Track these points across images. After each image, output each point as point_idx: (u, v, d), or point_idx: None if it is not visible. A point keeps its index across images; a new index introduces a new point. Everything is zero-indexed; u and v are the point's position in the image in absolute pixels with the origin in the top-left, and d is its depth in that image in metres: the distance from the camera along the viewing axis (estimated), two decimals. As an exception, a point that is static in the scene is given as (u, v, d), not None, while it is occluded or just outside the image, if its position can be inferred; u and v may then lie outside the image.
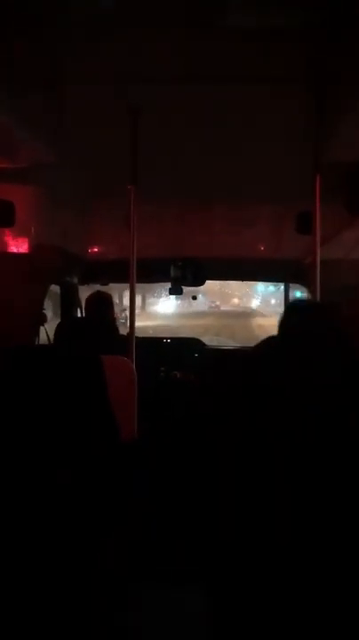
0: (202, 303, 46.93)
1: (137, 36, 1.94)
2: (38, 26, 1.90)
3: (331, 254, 2.87)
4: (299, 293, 4.83)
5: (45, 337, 3.35)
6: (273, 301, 48.77)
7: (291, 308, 1.98)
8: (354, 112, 1.97)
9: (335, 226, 3.00)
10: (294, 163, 2.67)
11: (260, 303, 51.13)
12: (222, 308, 51.45)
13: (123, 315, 7.72)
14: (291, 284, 4.64)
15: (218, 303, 53.57)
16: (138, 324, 2.80)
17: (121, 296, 15.85)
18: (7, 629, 1.71)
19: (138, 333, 2.78)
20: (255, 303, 54.86)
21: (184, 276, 3.89)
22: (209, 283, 4.28)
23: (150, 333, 10.96)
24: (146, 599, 2.45)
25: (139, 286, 2.73)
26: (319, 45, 1.96)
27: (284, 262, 3.92)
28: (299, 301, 2.68)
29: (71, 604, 1.83)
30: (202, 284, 4.02)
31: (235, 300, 57.76)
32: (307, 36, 1.92)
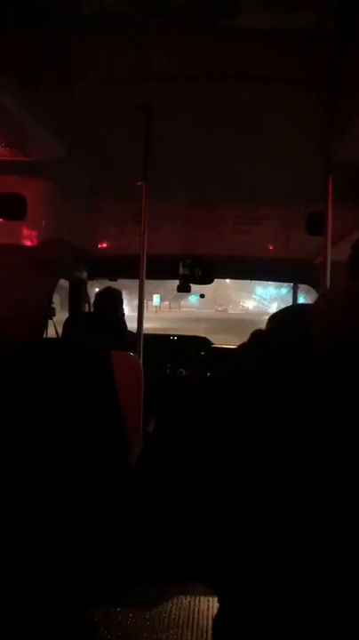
0: (196, 306, 41.69)
1: (149, 34, 1.94)
2: (51, 22, 1.91)
3: (342, 255, 2.87)
4: (302, 299, 4.81)
5: (54, 331, 3.37)
6: (274, 306, 46.55)
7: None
8: None
9: (346, 226, 3.00)
10: (306, 163, 2.66)
11: (267, 305, 48.86)
12: (230, 312, 48.87)
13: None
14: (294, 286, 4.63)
15: (224, 307, 50.68)
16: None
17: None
18: (5, 628, 1.72)
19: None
20: (252, 305, 52.21)
21: (192, 274, 3.89)
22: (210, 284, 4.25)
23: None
24: (146, 599, 2.46)
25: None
26: (332, 46, 1.95)
27: (294, 262, 3.91)
28: None
29: (71, 604, 1.84)
30: (210, 282, 4.02)
31: (244, 304, 54.92)
32: (320, 36, 1.91)
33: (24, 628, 1.75)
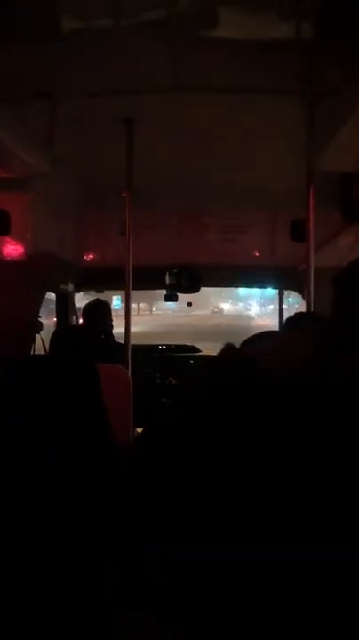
0: (171, 309, 35.89)
1: (132, 47, 1.95)
2: (32, 37, 1.91)
3: (325, 261, 2.91)
4: (291, 300, 4.85)
5: (41, 345, 3.35)
6: (254, 309, 44.52)
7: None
8: (346, 123, 2.00)
9: (328, 233, 3.03)
10: (289, 171, 2.69)
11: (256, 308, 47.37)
12: (226, 313, 46.97)
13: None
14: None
15: (219, 308, 48.38)
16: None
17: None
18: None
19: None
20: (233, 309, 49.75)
21: (179, 283, 3.90)
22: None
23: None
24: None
25: None
26: (312, 58, 1.98)
27: (279, 269, 3.94)
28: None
29: (67, 621, 1.82)
30: (197, 290, 4.04)
31: (224, 306, 52.04)
32: (301, 48, 1.94)
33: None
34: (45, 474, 1.86)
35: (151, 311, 39.97)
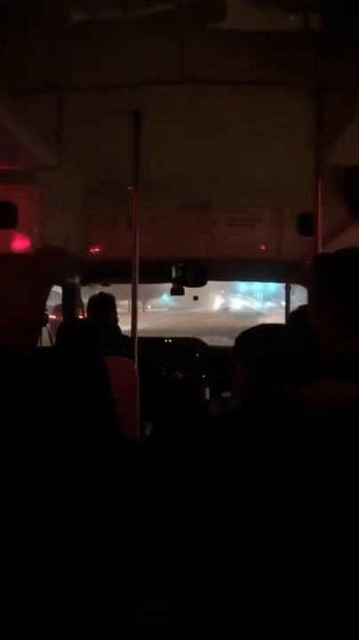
0: (169, 306, 34.07)
1: (139, 39, 1.95)
2: (40, 29, 1.91)
3: None
4: (293, 298, 4.84)
5: (47, 338, 3.36)
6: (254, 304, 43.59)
7: None
8: (354, 117, 1.98)
9: (336, 227, 3.02)
10: (296, 164, 2.68)
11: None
12: (232, 309, 46.11)
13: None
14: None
15: (227, 304, 47.75)
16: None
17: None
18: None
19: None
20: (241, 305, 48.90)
21: (185, 277, 3.90)
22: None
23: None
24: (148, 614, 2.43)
25: None
26: (321, 51, 1.97)
27: (286, 263, 3.93)
28: None
29: (67, 620, 1.82)
30: (203, 284, 4.03)
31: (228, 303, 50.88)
32: (309, 41, 1.92)
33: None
34: (45, 472, 1.86)
35: (144, 309, 38.57)
